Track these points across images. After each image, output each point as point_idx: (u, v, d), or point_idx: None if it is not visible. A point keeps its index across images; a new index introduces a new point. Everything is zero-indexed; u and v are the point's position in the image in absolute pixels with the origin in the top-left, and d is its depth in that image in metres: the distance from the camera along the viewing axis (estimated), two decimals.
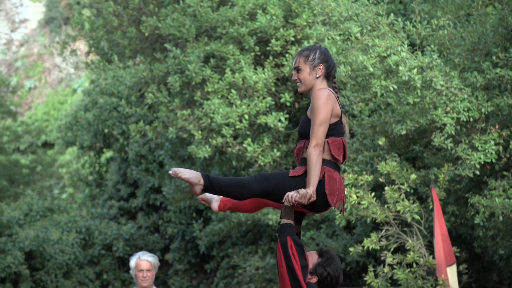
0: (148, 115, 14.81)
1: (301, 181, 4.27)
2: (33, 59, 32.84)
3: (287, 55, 11.31)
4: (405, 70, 8.42)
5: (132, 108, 14.29)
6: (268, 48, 11.61)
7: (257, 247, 14.57)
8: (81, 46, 24.96)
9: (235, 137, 11.99)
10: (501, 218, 8.49)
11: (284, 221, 4.30)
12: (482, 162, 8.48)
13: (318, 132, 4.25)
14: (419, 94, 8.55)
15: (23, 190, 24.12)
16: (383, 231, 9.17)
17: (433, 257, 8.89)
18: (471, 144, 8.62)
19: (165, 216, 17.22)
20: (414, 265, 8.96)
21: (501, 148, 8.54)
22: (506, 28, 8.77)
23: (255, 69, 11.78)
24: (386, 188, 8.94)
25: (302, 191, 4.19)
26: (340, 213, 8.90)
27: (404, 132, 8.82)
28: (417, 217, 8.88)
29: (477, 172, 8.53)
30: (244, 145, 11.15)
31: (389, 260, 8.99)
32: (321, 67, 4.42)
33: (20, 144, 27.70)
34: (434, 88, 8.51)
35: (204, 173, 4.28)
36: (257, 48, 11.70)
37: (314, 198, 4.21)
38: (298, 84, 4.46)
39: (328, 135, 4.31)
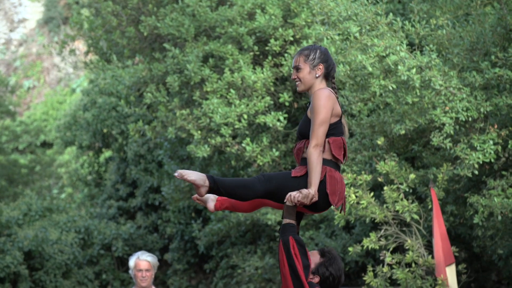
0: (147, 115, 14.80)
1: (303, 181, 4.28)
2: (32, 58, 32.83)
3: (286, 54, 11.31)
4: (404, 69, 8.42)
5: (131, 108, 14.28)
6: (267, 48, 11.61)
7: (256, 247, 14.57)
8: (80, 45, 24.96)
9: (234, 137, 11.99)
10: (500, 217, 8.49)
11: (286, 221, 4.31)
12: (481, 162, 8.48)
13: (318, 132, 4.26)
14: (418, 93, 8.55)
15: (22, 190, 24.11)
16: (382, 231, 9.17)
17: (432, 257, 8.90)
18: (470, 144, 8.62)
19: (164, 216, 17.22)
20: (413, 264, 8.96)
21: (499, 147, 8.55)
22: (504, 28, 8.77)
23: (254, 68, 11.78)
24: (385, 187, 8.94)
25: (304, 191, 4.20)
26: (340, 212, 8.90)
27: (403, 132, 8.82)
28: (416, 216, 8.89)
29: (476, 172, 8.54)
30: (243, 144, 11.15)
31: (388, 259, 8.99)
32: (320, 66, 4.42)
33: (19, 144, 27.70)
34: (433, 87, 8.51)
35: (209, 175, 4.29)
36: (256, 47, 11.70)
37: (316, 198, 4.22)
38: (297, 83, 4.47)
39: (328, 135, 4.31)
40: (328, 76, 4.45)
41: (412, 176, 8.95)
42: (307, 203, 4.22)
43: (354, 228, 12.12)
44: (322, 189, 4.26)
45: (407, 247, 9.07)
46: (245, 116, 11.01)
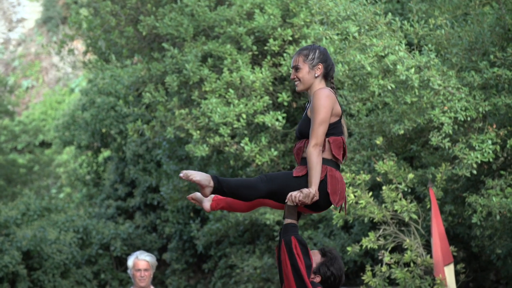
0: (146, 115, 14.80)
1: (304, 181, 4.29)
2: (31, 58, 32.81)
3: (284, 54, 11.31)
4: (403, 69, 8.43)
5: (129, 107, 14.27)
6: (265, 48, 11.61)
7: (254, 247, 14.57)
8: (79, 45, 24.96)
9: (232, 137, 11.99)
10: (498, 217, 8.50)
11: (288, 221, 4.31)
12: (479, 162, 8.49)
13: (318, 131, 4.27)
14: (417, 93, 8.55)
15: (21, 189, 24.11)
16: (381, 230, 9.17)
17: (431, 257, 8.90)
18: (468, 144, 8.62)
19: (162, 216, 17.22)
20: (412, 264, 8.97)
21: (498, 147, 8.55)
22: (503, 28, 8.78)
23: (253, 68, 11.78)
24: (384, 187, 8.94)
25: (305, 190, 4.21)
26: (339, 212, 8.90)
27: (402, 132, 8.83)
28: (414, 216, 8.89)
29: (475, 172, 8.54)
30: (242, 144, 11.15)
31: (386, 259, 8.99)
32: (320, 66, 4.43)
33: (17, 144, 27.68)
34: (432, 87, 8.52)
35: (214, 175, 4.30)
36: (254, 47, 11.70)
37: (317, 197, 4.22)
38: (296, 83, 4.47)
39: (328, 134, 4.32)
40: (327, 76, 4.46)
41: (410, 175, 8.95)
42: (308, 202, 4.23)
43: (352, 227, 12.12)
44: (323, 188, 4.27)
45: (405, 247, 9.08)
46: (244, 116, 11.01)
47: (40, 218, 16.29)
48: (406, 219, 8.88)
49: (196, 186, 14.48)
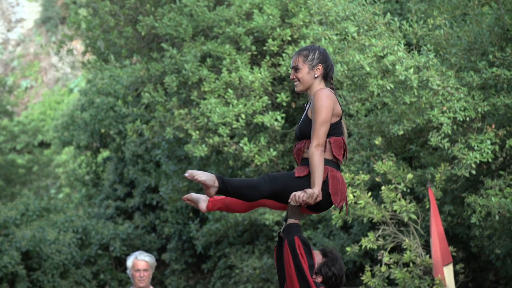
0: (145, 115, 14.80)
1: (306, 181, 4.30)
2: (30, 58, 32.80)
3: (283, 54, 11.31)
4: (402, 69, 8.43)
5: (128, 107, 14.27)
6: (264, 48, 11.60)
7: (254, 247, 14.57)
8: (78, 45, 24.93)
9: (231, 137, 11.99)
10: (497, 217, 8.50)
11: (291, 221, 4.32)
12: (479, 162, 8.49)
13: (320, 131, 4.28)
14: (416, 93, 8.56)
15: (20, 190, 24.10)
16: (380, 230, 9.17)
17: (430, 257, 8.90)
18: (467, 144, 8.63)
19: (162, 216, 17.22)
20: (411, 264, 8.97)
21: (497, 147, 8.55)
22: (502, 28, 8.78)
23: (252, 68, 11.78)
24: (383, 187, 8.94)
25: (309, 190, 4.22)
26: (340, 212, 8.90)
27: (401, 132, 8.83)
28: (413, 216, 8.89)
29: (474, 172, 8.54)
30: (241, 144, 11.15)
31: (385, 259, 8.99)
32: (319, 67, 4.44)
33: (16, 144, 27.67)
34: (431, 87, 8.52)
35: (219, 175, 4.30)
36: (253, 47, 11.70)
37: (320, 197, 4.24)
38: (295, 83, 4.48)
39: (329, 134, 4.33)
40: (327, 77, 4.47)
41: (409, 176, 8.95)
42: (311, 203, 4.24)
43: (352, 228, 12.12)
44: (325, 189, 4.29)
45: (405, 247, 9.08)
46: (243, 116, 11.01)
47: (39, 218, 16.28)
48: (405, 219, 8.88)
49: (195, 186, 14.51)
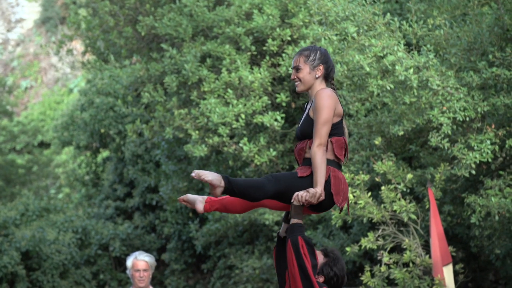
0: (145, 115, 14.79)
1: (309, 181, 4.31)
2: (29, 58, 32.80)
3: (283, 54, 11.31)
4: (402, 69, 8.43)
5: (128, 107, 14.26)
6: (264, 48, 11.60)
7: (253, 247, 14.57)
8: (77, 45, 24.93)
9: (231, 137, 11.99)
10: (497, 217, 8.50)
11: (294, 220, 4.32)
12: (478, 162, 8.49)
13: (322, 131, 4.29)
14: (416, 93, 8.56)
15: (19, 190, 24.09)
16: (380, 230, 9.18)
17: (430, 257, 8.90)
18: (467, 144, 8.63)
19: (161, 216, 17.21)
20: (411, 264, 8.97)
21: (497, 147, 8.55)
22: (502, 28, 8.78)
23: (252, 69, 11.78)
24: (383, 187, 8.94)
25: (311, 190, 4.23)
26: (341, 212, 8.90)
27: (401, 133, 8.83)
28: (413, 216, 8.89)
29: (473, 172, 8.54)
30: (240, 144, 11.15)
31: (385, 259, 8.99)
32: (321, 67, 4.45)
33: (16, 144, 27.66)
34: (430, 87, 8.52)
35: (225, 175, 4.31)
36: (253, 48, 11.70)
37: (323, 197, 4.25)
38: (296, 83, 4.49)
39: (330, 134, 4.35)
40: (328, 77, 4.48)
41: (409, 176, 8.95)
42: (314, 202, 4.25)
43: (351, 228, 12.12)
44: (327, 189, 4.30)
45: (404, 247, 9.08)
46: (243, 116, 11.02)
47: (39, 218, 16.28)
48: (405, 219, 8.88)
49: (195, 186, 14.50)
